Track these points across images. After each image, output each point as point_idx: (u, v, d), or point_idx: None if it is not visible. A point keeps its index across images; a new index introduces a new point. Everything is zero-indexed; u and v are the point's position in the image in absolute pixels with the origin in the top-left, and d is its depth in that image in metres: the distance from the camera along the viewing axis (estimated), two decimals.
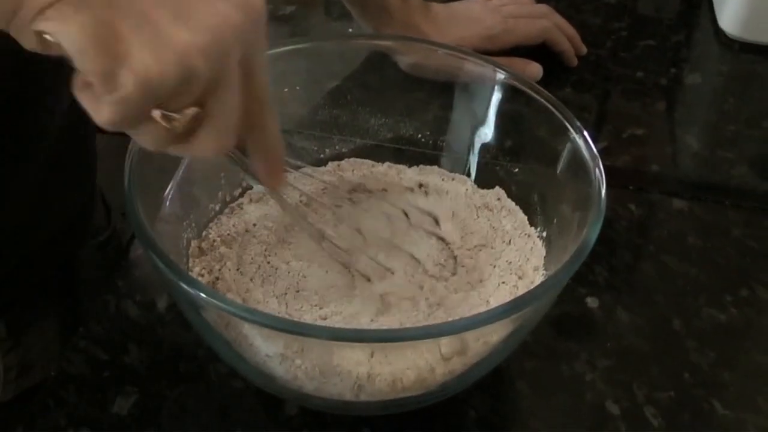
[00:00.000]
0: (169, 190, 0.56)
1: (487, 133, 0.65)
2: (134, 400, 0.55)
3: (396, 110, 0.68)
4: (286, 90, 0.65)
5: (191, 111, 0.40)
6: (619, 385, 0.57)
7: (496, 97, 0.63)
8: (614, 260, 0.66)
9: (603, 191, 0.52)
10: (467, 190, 0.65)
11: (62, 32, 0.36)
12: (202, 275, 0.56)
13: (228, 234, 0.60)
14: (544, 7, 0.89)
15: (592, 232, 0.49)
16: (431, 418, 0.55)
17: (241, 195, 0.63)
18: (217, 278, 0.56)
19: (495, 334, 0.49)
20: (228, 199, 0.63)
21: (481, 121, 0.65)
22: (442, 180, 0.66)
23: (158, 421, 0.54)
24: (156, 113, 0.39)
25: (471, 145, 0.66)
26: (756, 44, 0.94)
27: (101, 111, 0.38)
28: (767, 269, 0.67)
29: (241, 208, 0.62)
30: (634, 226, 0.70)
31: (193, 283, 0.45)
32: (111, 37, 0.36)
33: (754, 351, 0.60)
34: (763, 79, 0.90)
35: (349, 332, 0.49)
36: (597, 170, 0.53)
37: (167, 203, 0.56)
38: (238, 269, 0.57)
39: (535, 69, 0.82)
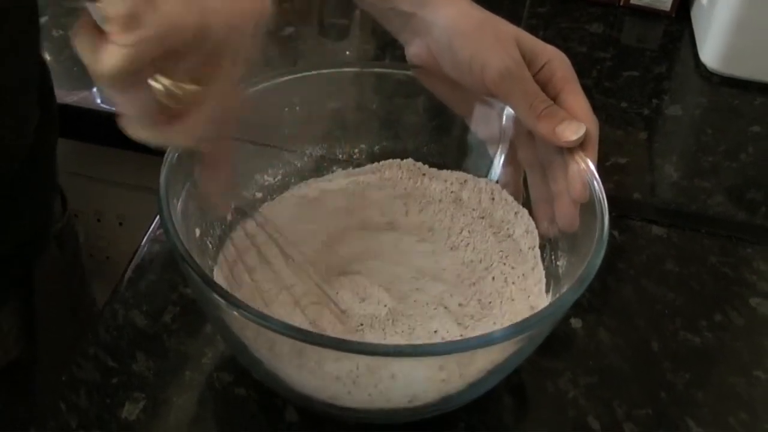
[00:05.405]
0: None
1: None
2: (142, 405, 0.58)
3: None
4: (286, 110, 0.67)
5: (193, 88, 0.40)
6: (600, 402, 0.61)
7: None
8: (597, 283, 0.69)
9: (606, 218, 0.55)
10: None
11: None
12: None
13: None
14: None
15: (596, 258, 0.52)
16: (422, 428, 0.57)
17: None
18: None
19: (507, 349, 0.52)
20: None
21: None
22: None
23: (165, 426, 0.57)
24: (159, 81, 0.39)
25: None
26: (735, 78, 0.98)
27: (109, 56, 0.37)
28: (741, 295, 0.70)
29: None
30: (615, 251, 0.74)
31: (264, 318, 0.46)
32: None
33: (727, 373, 0.64)
34: (741, 113, 0.94)
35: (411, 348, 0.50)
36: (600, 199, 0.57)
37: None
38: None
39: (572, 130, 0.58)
